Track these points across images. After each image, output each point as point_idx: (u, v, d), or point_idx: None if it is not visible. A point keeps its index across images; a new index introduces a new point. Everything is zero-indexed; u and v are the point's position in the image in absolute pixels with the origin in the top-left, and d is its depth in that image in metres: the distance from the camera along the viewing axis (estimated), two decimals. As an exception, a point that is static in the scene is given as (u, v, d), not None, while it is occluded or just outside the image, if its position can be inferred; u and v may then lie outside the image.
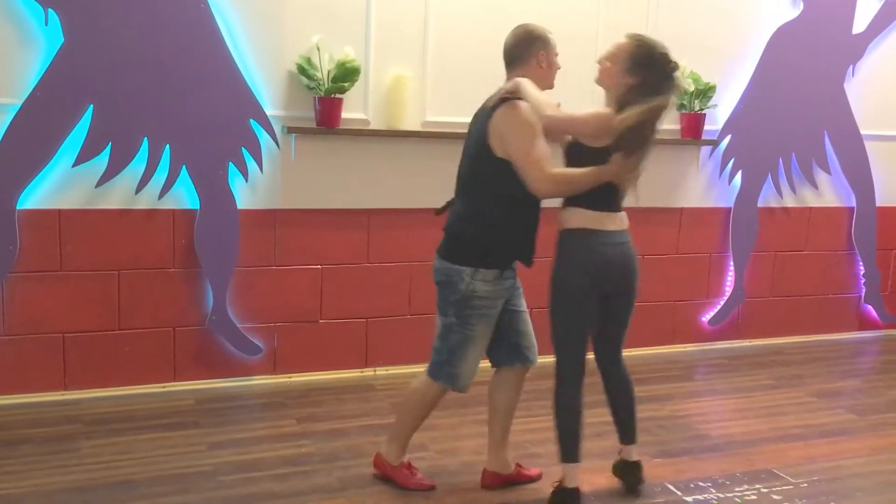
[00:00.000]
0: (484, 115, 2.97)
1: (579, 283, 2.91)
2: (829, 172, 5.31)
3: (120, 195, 3.89)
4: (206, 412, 3.87)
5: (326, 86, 3.98)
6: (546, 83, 3.03)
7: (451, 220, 3.07)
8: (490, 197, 2.94)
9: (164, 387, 4.08)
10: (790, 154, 5.20)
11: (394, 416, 3.86)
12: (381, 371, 4.46)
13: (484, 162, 2.93)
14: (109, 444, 3.46)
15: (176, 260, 4.03)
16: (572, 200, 2.95)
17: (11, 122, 3.65)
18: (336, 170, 4.22)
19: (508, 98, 2.89)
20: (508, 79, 3.02)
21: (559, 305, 2.96)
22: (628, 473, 3.25)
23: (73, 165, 3.77)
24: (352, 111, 4.14)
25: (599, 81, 3.00)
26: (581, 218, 2.93)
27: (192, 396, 4.03)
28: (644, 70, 2.86)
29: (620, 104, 2.85)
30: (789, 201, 5.27)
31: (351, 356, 4.42)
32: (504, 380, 3.18)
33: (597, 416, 3.93)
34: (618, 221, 2.98)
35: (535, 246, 3.01)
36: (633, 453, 3.25)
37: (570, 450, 3.03)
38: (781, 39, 4.99)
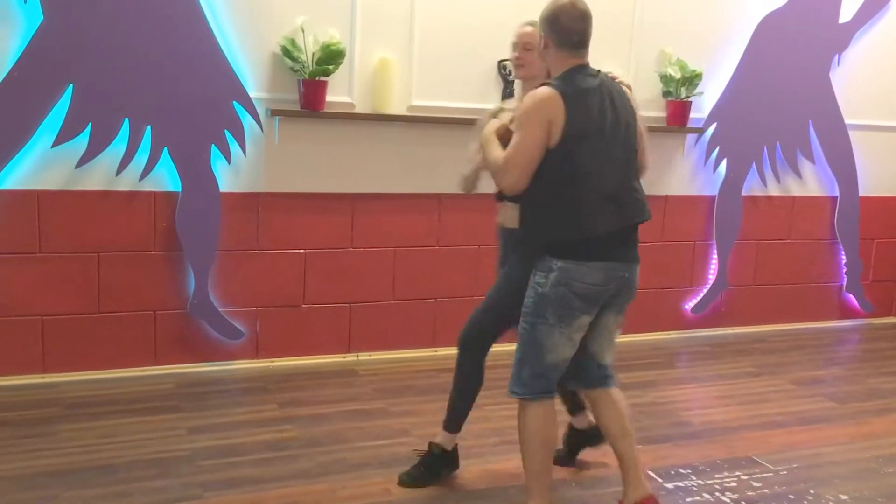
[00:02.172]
0: (626, 99, 2.78)
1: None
2: (813, 162, 5.33)
3: (100, 176, 3.84)
4: (186, 396, 3.85)
5: (311, 68, 3.94)
6: None
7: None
8: None
9: (144, 370, 4.05)
10: (775, 143, 5.21)
11: (375, 400, 3.87)
12: (364, 356, 4.44)
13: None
14: (89, 428, 3.44)
15: (157, 243, 3.99)
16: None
17: (-11, 101, 3.59)
18: (320, 154, 4.18)
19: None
20: (586, 61, 2.75)
21: None
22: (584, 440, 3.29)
23: (53, 146, 3.72)
24: (336, 94, 4.10)
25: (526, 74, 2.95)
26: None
27: (172, 380, 4.01)
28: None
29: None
30: (773, 190, 5.28)
31: (333, 341, 4.40)
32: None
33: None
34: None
35: None
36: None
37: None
38: (768, 28, 4.98)
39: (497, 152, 2.73)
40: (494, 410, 3.82)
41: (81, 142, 3.75)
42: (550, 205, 2.66)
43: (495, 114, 3.10)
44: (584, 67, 2.71)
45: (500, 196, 2.98)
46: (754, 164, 5.17)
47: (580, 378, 2.89)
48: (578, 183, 2.62)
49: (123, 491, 2.94)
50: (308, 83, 3.97)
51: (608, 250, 2.69)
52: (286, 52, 3.93)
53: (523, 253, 2.89)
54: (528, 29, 2.95)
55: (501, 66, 4.36)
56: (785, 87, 5.10)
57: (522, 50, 2.98)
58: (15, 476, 3.01)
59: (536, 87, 2.69)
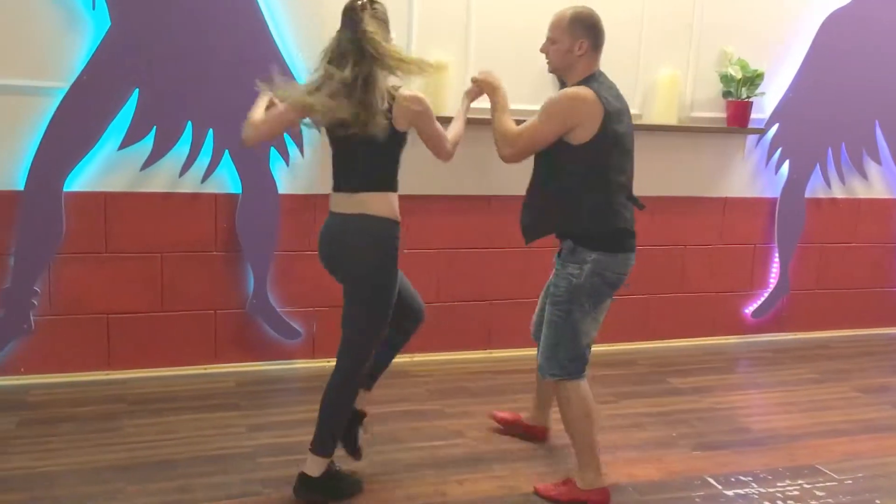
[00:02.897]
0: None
1: None
2: (879, 163, 5.18)
3: (164, 178, 3.93)
4: (246, 394, 3.91)
5: (368, 71, 3.96)
6: None
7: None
8: None
9: (205, 368, 4.13)
10: (840, 143, 5.07)
11: (429, 401, 3.88)
12: (418, 357, 4.46)
13: None
14: (152, 424, 3.52)
15: (218, 243, 4.07)
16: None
17: (59, 106, 3.70)
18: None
19: None
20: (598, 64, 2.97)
21: None
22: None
23: (119, 149, 3.82)
24: (393, 97, 4.12)
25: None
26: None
27: (232, 379, 4.08)
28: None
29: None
30: (838, 192, 5.15)
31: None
32: None
33: (631, 408, 3.92)
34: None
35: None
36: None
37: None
38: (833, 25, 4.86)
39: (509, 123, 2.96)
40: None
41: (146, 145, 3.85)
42: (584, 200, 2.86)
43: None
44: (601, 72, 2.96)
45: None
46: (818, 165, 5.05)
47: None
48: (611, 180, 2.85)
49: (184, 486, 3.01)
50: (365, 86, 3.99)
51: (630, 241, 2.94)
52: (344, 56, 3.97)
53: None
54: (555, 20, 2.99)
55: (558, 67, 4.34)
56: (850, 86, 4.97)
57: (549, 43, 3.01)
58: (81, 469, 3.10)
59: (575, 83, 2.90)
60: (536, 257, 4.56)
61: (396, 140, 2.83)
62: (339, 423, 2.95)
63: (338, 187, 2.91)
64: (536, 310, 3.28)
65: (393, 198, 2.90)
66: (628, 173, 2.94)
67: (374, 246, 2.86)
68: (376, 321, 2.89)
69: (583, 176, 2.84)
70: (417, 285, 4.40)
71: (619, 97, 2.92)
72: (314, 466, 2.90)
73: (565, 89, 2.89)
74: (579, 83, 2.88)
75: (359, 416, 3.12)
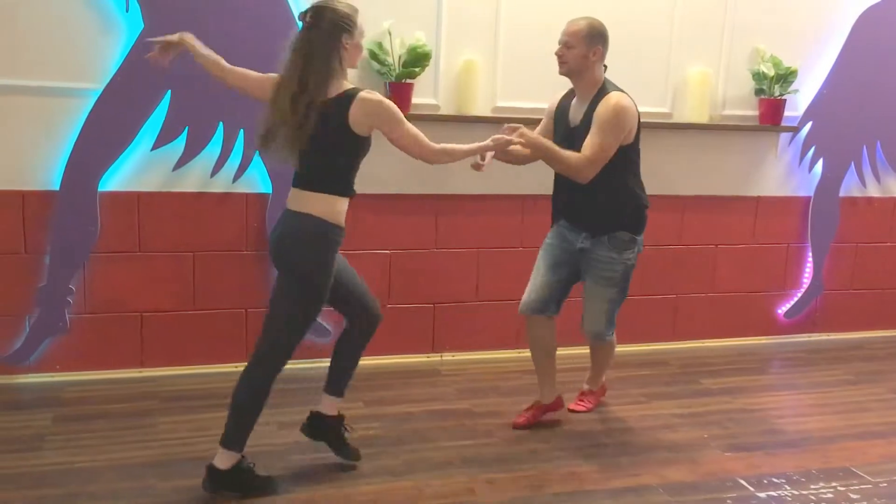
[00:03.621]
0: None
1: None
2: (916, 161, 5.09)
3: (196, 178, 3.97)
4: (276, 392, 3.87)
5: (397, 71, 3.98)
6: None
7: None
8: None
9: (236, 366, 4.13)
10: (875, 142, 5.00)
11: (459, 400, 3.89)
12: (448, 357, 4.47)
13: None
14: (184, 421, 3.56)
15: (248, 242, 4.10)
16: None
17: (94, 107, 3.76)
18: (406, 155, 4.19)
19: None
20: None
21: None
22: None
23: (152, 149, 3.87)
24: (422, 96, 4.13)
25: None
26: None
27: (262, 377, 4.10)
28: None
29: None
30: (873, 191, 5.07)
31: (418, 341, 4.43)
32: (552, 325, 3.58)
33: (662, 409, 3.89)
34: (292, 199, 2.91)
35: (555, 208, 3.54)
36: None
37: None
38: (868, 22, 4.78)
39: (569, 154, 3.24)
40: (577, 414, 3.79)
41: (178, 145, 3.90)
42: (633, 188, 3.39)
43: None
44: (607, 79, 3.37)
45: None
46: (853, 163, 4.97)
47: (558, 307, 3.55)
48: (638, 168, 3.42)
49: (216, 483, 3.03)
50: (394, 85, 4.01)
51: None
52: (373, 56, 3.99)
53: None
54: (571, 28, 3.31)
55: (588, 65, 4.32)
56: (886, 83, 4.89)
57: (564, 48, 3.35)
58: (115, 466, 3.14)
59: (591, 88, 3.31)
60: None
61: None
62: (248, 418, 2.92)
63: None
64: (542, 285, 3.50)
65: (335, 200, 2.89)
66: None
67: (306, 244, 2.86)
68: (300, 315, 2.89)
69: (626, 169, 3.34)
70: (452, 284, 4.43)
71: None
72: (223, 459, 2.90)
73: (610, 103, 3.22)
74: (602, 88, 3.29)
75: (338, 421, 3.21)
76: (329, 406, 3.20)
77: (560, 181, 3.45)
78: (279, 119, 2.79)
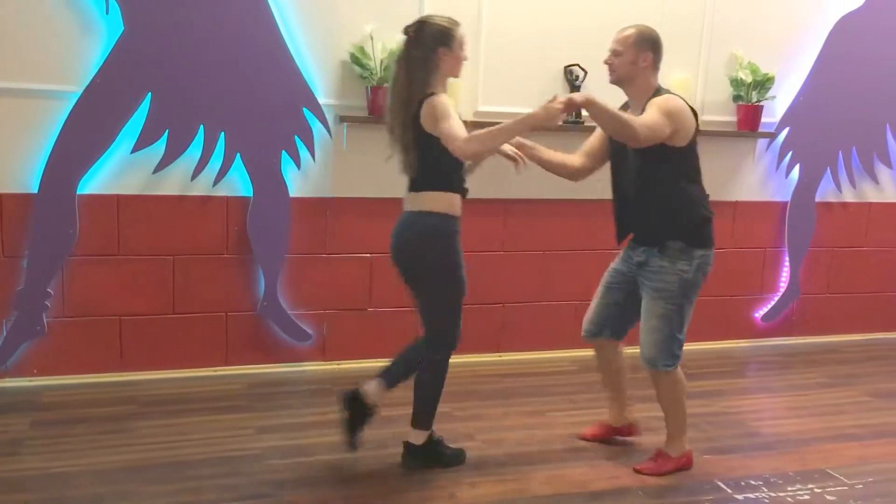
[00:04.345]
0: None
1: None
2: (890, 167, 5.17)
3: (176, 181, 3.96)
4: (256, 396, 3.93)
5: (379, 75, 3.99)
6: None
7: None
8: None
9: (216, 370, 4.15)
10: (850, 147, 5.07)
11: (440, 404, 3.89)
12: (429, 360, 4.47)
13: None
14: (163, 426, 3.54)
15: (229, 246, 4.09)
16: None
17: (73, 110, 3.74)
18: (387, 159, 4.22)
19: None
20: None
21: None
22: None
23: (132, 152, 3.85)
24: (404, 100, 4.14)
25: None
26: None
27: (243, 381, 4.10)
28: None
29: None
30: (848, 196, 5.14)
31: (399, 345, 4.40)
32: (611, 349, 3.49)
33: (641, 412, 3.91)
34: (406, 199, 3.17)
35: (616, 225, 3.36)
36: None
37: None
38: (844, 29, 4.85)
39: (624, 114, 3.02)
40: (558, 416, 3.82)
41: (159, 148, 3.88)
42: (690, 191, 3.19)
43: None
44: (661, 85, 3.21)
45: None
46: (829, 168, 5.04)
47: (619, 330, 3.42)
48: (699, 177, 3.24)
49: (196, 487, 3.02)
50: (376, 90, 4.02)
51: (713, 233, 3.26)
52: (355, 60, 3.99)
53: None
54: (619, 35, 3.20)
55: (568, 71, 4.35)
56: (862, 90, 4.96)
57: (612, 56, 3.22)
58: (94, 470, 3.12)
59: (643, 96, 3.15)
60: (550, 260, 4.58)
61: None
62: (433, 398, 3.22)
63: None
64: (596, 308, 3.42)
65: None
66: None
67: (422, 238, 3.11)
68: (444, 300, 3.15)
69: (684, 175, 3.18)
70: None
71: None
72: (417, 437, 3.22)
73: (669, 96, 3.10)
74: (654, 94, 3.13)
75: (372, 410, 3.24)
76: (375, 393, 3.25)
77: (617, 194, 3.32)
78: (389, 129, 3.10)
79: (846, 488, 3.24)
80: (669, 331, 3.18)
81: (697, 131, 3.18)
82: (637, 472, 3.27)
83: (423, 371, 3.19)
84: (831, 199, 5.09)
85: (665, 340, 3.18)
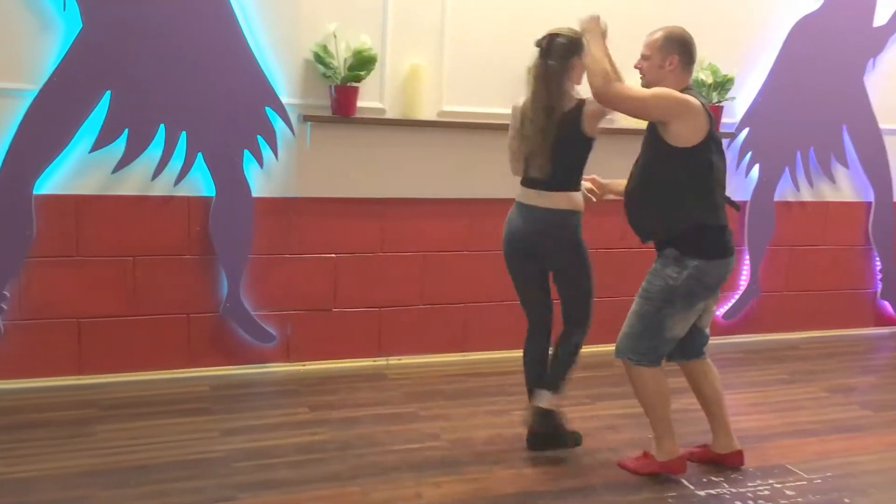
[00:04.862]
0: None
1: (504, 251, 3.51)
2: (846, 166, 5.27)
3: (136, 181, 3.90)
4: (219, 399, 3.89)
5: (343, 74, 3.97)
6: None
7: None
8: None
9: (178, 373, 4.10)
10: (808, 148, 5.15)
11: (405, 404, 3.89)
12: (394, 360, 4.46)
13: None
14: (124, 429, 3.49)
15: (191, 247, 4.04)
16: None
17: (29, 108, 3.66)
18: (351, 159, 4.21)
19: None
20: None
21: None
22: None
23: (90, 151, 3.79)
24: (368, 100, 4.13)
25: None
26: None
27: (206, 383, 4.05)
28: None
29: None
30: (806, 195, 5.22)
31: (364, 345, 4.42)
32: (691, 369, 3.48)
33: (606, 410, 3.95)
34: (530, 197, 3.37)
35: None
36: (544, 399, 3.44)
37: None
38: (802, 31, 4.94)
39: (609, 65, 3.05)
40: (522, 416, 3.83)
41: (118, 147, 3.82)
42: (692, 199, 3.12)
43: None
44: (692, 86, 3.23)
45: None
46: (787, 168, 5.12)
47: (686, 351, 3.37)
48: (713, 180, 3.14)
49: (159, 491, 2.98)
50: (340, 89, 4.00)
51: (729, 245, 3.18)
52: (318, 59, 3.97)
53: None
54: (648, 39, 3.27)
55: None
56: (819, 91, 5.05)
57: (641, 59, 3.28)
58: (53, 476, 3.07)
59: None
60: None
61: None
62: (570, 368, 3.45)
63: None
64: None
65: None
66: (724, 177, 3.22)
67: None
68: (590, 286, 3.45)
69: (689, 176, 3.11)
70: (399, 288, 4.42)
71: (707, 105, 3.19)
72: (549, 400, 3.39)
73: (681, 91, 3.11)
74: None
75: (559, 419, 3.47)
76: (547, 400, 3.43)
77: (626, 187, 3.35)
78: (530, 141, 3.27)
79: (805, 483, 3.30)
80: (641, 328, 3.18)
81: (712, 138, 3.10)
82: (620, 466, 3.35)
83: (575, 348, 3.45)
84: (790, 198, 5.18)
85: (633, 335, 3.21)
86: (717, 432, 3.43)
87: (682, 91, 3.11)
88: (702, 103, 3.09)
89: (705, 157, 3.10)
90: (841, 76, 5.10)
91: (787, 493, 3.21)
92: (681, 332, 3.21)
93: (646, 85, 3.22)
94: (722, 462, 3.41)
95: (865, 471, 3.44)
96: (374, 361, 4.44)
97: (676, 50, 3.15)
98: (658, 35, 3.19)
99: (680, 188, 3.11)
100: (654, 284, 3.17)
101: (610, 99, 3.06)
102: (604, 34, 3.12)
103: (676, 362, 3.40)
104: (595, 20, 3.15)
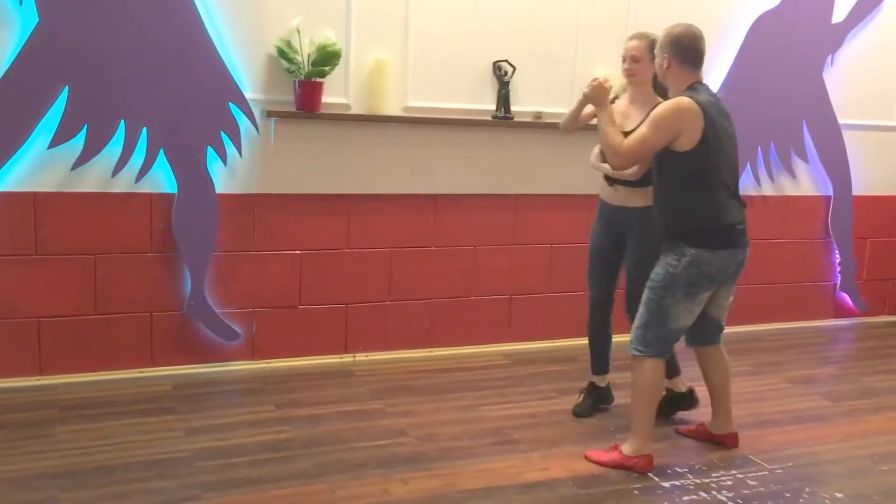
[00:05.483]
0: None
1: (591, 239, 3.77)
2: (806, 161, 5.35)
3: (96, 178, 3.84)
4: (183, 398, 3.85)
5: (307, 69, 3.94)
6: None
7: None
8: None
9: (141, 372, 4.05)
10: (769, 143, 5.23)
11: (372, 400, 3.88)
12: (361, 357, 4.45)
13: None
14: (85, 430, 3.44)
15: (153, 244, 3.99)
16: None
17: (-15, 104, 3.59)
18: (316, 155, 4.19)
19: None
20: (701, 77, 3.31)
21: None
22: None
23: (49, 147, 3.72)
24: (332, 95, 4.10)
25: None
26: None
27: (169, 382, 4.01)
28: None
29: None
30: (767, 190, 5.30)
31: (330, 342, 4.40)
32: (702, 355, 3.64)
33: (572, 403, 3.96)
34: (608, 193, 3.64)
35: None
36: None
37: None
38: (761, 27, 5.00)
39: (616, 136, 3.23)
40: (490, 411, 3.84)
41: (77, 143, 3.75)
42: (690, 200, 3.19)
43: (620, 92, 3.64)
44: (701, 83, 3.25)
45: (613, 181, 3.60)
46: (749, 163, 5.19)
47: (697, 337, 3.49)
48: (715, 182, 3.18)
49: (121, 492, 2.95)
50: (304, 84, 3.97)
51: (733, 238, 3.25)
52: (282, 54, 3.93)
53: (646, 233, 3.46)
54: (635, 42, 3.48)
55: (496, 67, 4.38)
56: (778, 87, 5.12)
57: (632, 62, 3.47)
58: (13, 478, 3.01)
59: (648, 91, 3.47)
60: (480, 256, 4.60)
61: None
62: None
63: None
64: None
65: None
66: (732, 177, 3.25)
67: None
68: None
69: (688, 179, 3.17)
70: (365, 284, 4.41)
71: (717, 103, 3.23)
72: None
73: (668, 101, 3.20)
74: (687, 90, 3.20)
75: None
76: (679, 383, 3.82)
77: None
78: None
79: (767, 473, 3.35)
80: (647, 319, 3.26)
81: (713, 135, 3.13)
82: (586, 457, 3.38)
83: None
84: (751, 192, 5.24)
85: (641, 327, 3.28)
86: (717, 414, 3.58)
87: (688, 88, 3.20)
88: (699, 100, 3.12)
89: (704, 159, 3.14)
90: (800, 72, 5.17)
91: (750, 482, 3.26)
92: (686, 323, 3.29)
93: (637, 85, 3.45)
94: (718, 441, 3.56)
95: (826, 460, 3.50)
96: (341, 358, 4.43)
97: (667, 49, 3.23)
98: (649, 38, 3.43)
99: (682, 191, 3.20)
100: (657, 273, 3.26)
101: (630, 163, 3.27)
102: (613, 99, 3.34)
103: (692, 347, 3.57)
104: (601, 91, 3.28)
